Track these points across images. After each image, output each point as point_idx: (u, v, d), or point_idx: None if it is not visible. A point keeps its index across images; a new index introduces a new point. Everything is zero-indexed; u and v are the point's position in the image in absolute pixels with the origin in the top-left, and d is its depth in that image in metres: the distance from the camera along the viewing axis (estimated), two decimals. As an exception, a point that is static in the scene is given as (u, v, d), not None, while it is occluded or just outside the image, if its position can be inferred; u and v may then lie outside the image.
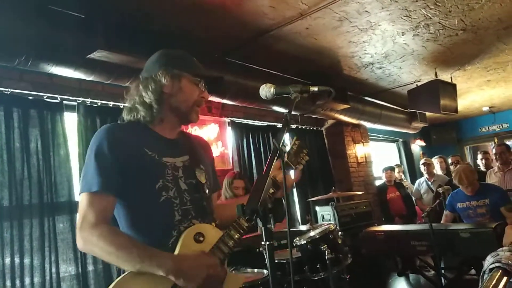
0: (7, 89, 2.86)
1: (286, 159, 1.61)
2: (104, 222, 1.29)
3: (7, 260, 2.69)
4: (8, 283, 2.65)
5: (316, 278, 2.87)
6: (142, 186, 1.36)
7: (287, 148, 1.62)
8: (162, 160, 1.41)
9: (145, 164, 1.37)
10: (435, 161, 6.40)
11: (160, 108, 1.44)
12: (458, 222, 4.17)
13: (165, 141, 1.48)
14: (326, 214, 5.03)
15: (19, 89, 2.94)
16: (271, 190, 1.49)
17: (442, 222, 4.22)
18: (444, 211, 4.26)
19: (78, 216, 1.30)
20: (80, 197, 1.32)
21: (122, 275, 1.26)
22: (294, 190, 5.42)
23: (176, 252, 1.32)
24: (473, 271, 4.08)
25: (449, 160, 6.35)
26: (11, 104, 2.87)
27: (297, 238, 3.06)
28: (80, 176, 1.36)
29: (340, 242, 3.10)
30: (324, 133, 6.37)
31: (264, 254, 2.52)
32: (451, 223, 4.14)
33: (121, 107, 3.44)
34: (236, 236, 1.37)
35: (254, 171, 4.79)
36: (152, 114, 1.44)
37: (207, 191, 1.51)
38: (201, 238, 1.37)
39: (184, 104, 1.47)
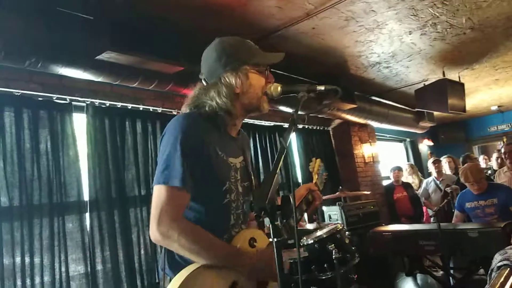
0: (17, 91, 2.90)
1: (315, 180, 1.72)
2: (182, 218, 1.27)
3: (18, 259, 2.72)
4: (18, 282, 2.69)
5: (324, 277, 2.87)
6: (212, 185, 1.35)
7: (313, 169, 1.73)
8: (228, 161, 1.40)
9: (216, 165, 1.35)
10: (444, 160, 6.35)
11: (235, 109, 1.40)
12: (467, 222, 4.15)
13: (230, 140, 1.46)
14: (333, 214, 5.02)
15: (29, 90, 2.97)
16: (304, 207, 1.55)
17: (452, 222, 4.20)
18: (454, 211, 4.24)
19: (155, 208, 1.25)
20: (159, 188, 1.26)
21: (190, 269, 1.26)
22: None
23: None
24: (481, 271, 4.05)
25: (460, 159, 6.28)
26: (21, 105, 2.91)
27: (304, 238, 3.07)
28: (157, 166, 1.30)
29: (347, 241, 3.10)
30: (331, 133, 6.35)
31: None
32: (460, 223, 4.11)
33: (129, 107, 3.50)
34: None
35: (261, 170, 4.80)
36: (232, 118, 1.42)
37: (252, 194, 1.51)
38: (255, 243, 1.40)
39: (255, 97, 1.43)
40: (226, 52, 1.42)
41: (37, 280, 2.78)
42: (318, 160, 1.71)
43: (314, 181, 1.68)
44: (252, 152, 4.81)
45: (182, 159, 1.26)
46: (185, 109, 1.45)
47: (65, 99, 3.17)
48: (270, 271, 1.28)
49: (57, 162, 3.02)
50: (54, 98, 3.11)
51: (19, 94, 2.91)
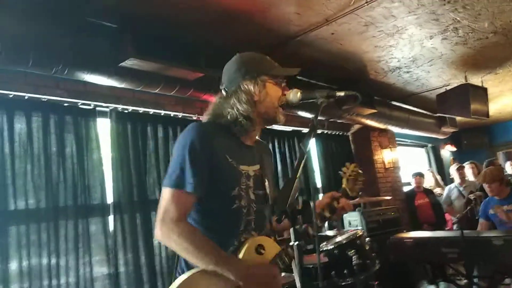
0: (44, 97, 3.01)
1: (344, 185, 1.67)
2: (184, 220, 1.35)
3: (44, 260, 2.80)
4: (45, 282, 2.77)
5: (343, 283, 2.85)
6: (219, 190, 1.41)
7: (345, 174, 1.67)
8: (239, 168, 1.45)
9: (225, 171, 1.41)
10: (467, 167, 6.20)
11: (253, 118, 1.46)
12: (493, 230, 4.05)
13: (244, 148, 1.52)
14: (353, 220, 4.97)
15: (56, 96, 3.07)
16: (327, 214, 1.55)
17: (477, 230, 4.11)
18: (479, 219, 4.15)
19: (160, 208, 1.34)
20: (164, 190, 1.36)
21: (189, 273, 1.31)
22: (321, 196, 5.40)
23: (239, 257, 1.39)
24: (507, 280, 3.94)
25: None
26: (48, 111, 3.02)
27: (324, 243, 3.06)
28: (168, 169, 1.40)
29: (367, 248, 3.08)
30: (351, 138, 6.31)
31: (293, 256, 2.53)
32: (484, 231, 4.02)
33: (151, 113, 3.58)
34: (292, 255, 1.42)
35: (280, 175, 4.81)
36: (252, 124, 1.47)
37: (270, 201, 1.54)
38: (262, 251, 1.42)
39: (272, 107, 1.49)
40: (246, 63, 1.50)
41: (62, 280, 2.86)
42: (353, 165, 1.70)
43: (343, 186, 1.67)
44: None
45: (188, 164, 1.34)
46: (205, 118, 1.52)
47: (89, 105, 3.26)
48: (267, 284, 1.33)
49: (82, 166, 3.11)
50: (79, 104, 3.21)
51: (46, 100, 3.02)
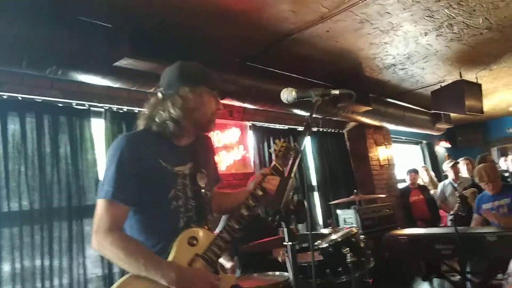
0: (38, 97, 2.98)
1: (275, 161, 1.65)
2: (117, 229, 1.38)
3: (38, 262, 2.79)
4: (38, 284, 2.76)
5: (338, 281, 2.86)
6: (155, 195, 1.44)
7: (275, 151, 1.65)
8: (174, 170, 1.49)
9: (160, 175, 1.45)
10: (461, 163, 6.23)
11: (184, 123, 1.51)
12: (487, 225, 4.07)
13: (176, 150, 1.55)
14: (348, 217, 4.99)
15: (50, 96, 3.05)
16: (260, 193, 1.55)
17: (471, 226, 4.13)
18: (473, 215, 4.17)
19: (95, 220, 1.39)
20: (98, 202, 1.41)
21: (126, 276, 1.35)
22: (316, 194, 5.41)
23: (172, 255, 1.40)
24: (500, 276, 3.97)
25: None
26: (42, 111, 2.99)
27: (319, 241, 3.07)
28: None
29: (362, 245, 3.09)
30: (346, 136, 6.32)
31: (286, 257, 2.53)
32: (478, 227, 4.04)
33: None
34: (227, 238, 1.46)
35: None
36: (180, 129, 1.50)
37: (208, 194, 1.59)
38: (195, 242, 1.44)
39: (205, 117, 1.55)
40: (187, 71, 1.55)
41: (56, 282, 2.85)
42: (282, 141, 1.68)
43: (273, 163, 1.65)
44: (267, 155, 4.82)
45: (117, 176, 1.38)
46: (140, 121, 1.56)
47: (84, 105, 3.24)
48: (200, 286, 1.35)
49: (76, 167, 3.10)
50: (74, 104, 3.18)
51: (40, 100, 2.99)
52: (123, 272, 3.27)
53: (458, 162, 6.06)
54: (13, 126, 2.84)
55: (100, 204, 1.39)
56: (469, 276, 4.00)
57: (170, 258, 1.40)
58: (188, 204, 1.50)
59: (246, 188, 1.71)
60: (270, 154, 4.85)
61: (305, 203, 1.22)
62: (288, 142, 1.72)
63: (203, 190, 1.55)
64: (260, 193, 1.55)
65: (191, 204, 1.50)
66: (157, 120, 1.50)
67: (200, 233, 1.47)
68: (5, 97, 2.81)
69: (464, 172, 6.06)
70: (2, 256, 2.65)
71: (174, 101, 1.48)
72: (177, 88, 1.51)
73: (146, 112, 1.56)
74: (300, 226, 4.25)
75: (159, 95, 1.55)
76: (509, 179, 5.20)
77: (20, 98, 2.89)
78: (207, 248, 1.44)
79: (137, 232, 1.45)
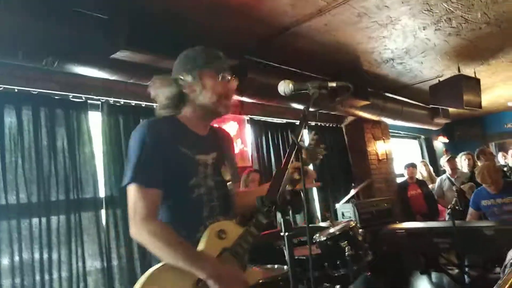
0: (34, 89, 2.97)
1: (304, 155, 1.62)
2: (153, 216, 1.37)
3: (36, 255, 2.79)
4: (37, 277, 2.76)
5: (337, 274, 2.87)
6: (177, 182, 1.43)
7: (305, 144, 1.63)
8: (195, 158, 1.47)
9: (181, 162, 1.44)
10: (463, 157, 6.18)
11: (186, 110, 1.51)
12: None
13: (198, 138, 1.54)
14: (346, 211, 5.00)
15: (46, 89, 3.04)
16: (289, 187, 1.51)
17: (466, 220, 4.14)
18: (469, 209, 4.18)
19: (130, 207, 1.38)
20: (130, 188, 1.38)
21: (159, 265, 1.34)
22: (314, 188, 5.41)
23: (201, 247, 1.39)
24: (498, 269, 3.99)
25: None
26: (38, 103, 2.98)
27: (317, 235, 3.07)
28: (125, 165, 1.46)
29: (360, 239, 3.09)
30: (344, 130, 6.32)
31: (284, 248, 2.54)
32: (475, 221, 4.05)
33: (143, 105, 3.55)
34: (255, 233, 1.43)
35: (273, 168, 4.81)
36: (176, 112, 1.52)
37: (231, 187, 1.57)
38: (223, 235, 1.42)
39: (210, 99, 1.50)
40: (187, 57, 1.55)
41: (55, 275, 2.86)
42: (313, 133, 1.67)
43: (303, 156, 1.64)
44: (265, 149, 4.81)
45: (145, 160, 1.37)
46: (156, 108, 1.57)
47: (80, 98, 3.22)
48: (234, 282, 1.34)
49: (73, 160, 3.09)
50: (70, 96, 3.17)
51: (36, 92, 2.98)
52: (121, 265, 3.29)
53: (454, 157, 6.06)
54: (9, 118, 2.83)
55: (133, 190, 1.37)
56: (467, 269, 4.02)
57: (199, 249, 1.39)
58: (211, 194, 1.49)
59: (262, 186, 1.70)
60: (268, 148, 4.86)
61: (301, 193, 1.22)
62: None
63: (228, 183, 1.54)
64: (290, 187, 1.52)
65: (214, 195, 1.49)
66: (158, 104, 1.52)
67: (229, 226, 1.46)
68: (1, 89, 2.80)
69: (465, 167, 6.04)
70: (1, 249, 2.65)
71: (170, 87, 1.50)
72: (175, 74, 1.52)
73: (158, 101, 1.56)
74: (298, 218, 4.26)
75: (167, 81, 1.54)
76: (508, 174, 5.20)
77: (16, 90, 2.88)
78: (236, 243, 1.42)
79: (164, 219, 1.43)
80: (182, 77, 1.49)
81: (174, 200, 1.44)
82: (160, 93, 1.51)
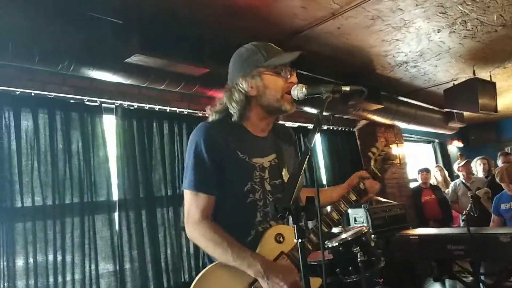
0: (50, 93, 3.01)
1: (372, 165, 1.61)
2: (206, 219, 1.41)
3: (50, 257, 2.81)
4: (51, 279, 2.78)
5: (349, 281, 2.84)
6: (232, 187, 1.45)
7: (374, 154, 1.60)
8: (251, 162, 1.47)
9: (236, 167, 1.45)
10: (478, 162, 6.08)
11: (249, 113, 1.49)
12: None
13: (255, 140, 1.51)
14: (358, 216, 4.95)
15: (62, 93, 3.08)
16: (354, 197, 1.52)
17: (490, 226, 4.07)
18: (492, 215, 4.11)
19: (184, 210, 1.45)
20: (185, 193, 1.45)
21: (213, 264, 1.40)
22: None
23: (258, 249, 1.41)
24: (515, 278, 3.91)
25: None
26: (54, 107, 3.02)
27: (329, 240, 3.05)
28: (184, 171, 1.49)
29: (373, 245, 3.06)
30: (357, 134, 6.27)
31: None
32: (491, 227, 3.98)
33: (157, 109, 3.57)
34: (315, 241, 1.44)
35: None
36: (243, 120, 1.49)
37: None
38: (281, 239, 1.43)
39: (274, 98, 1.46)
40: (241, 58, 1.51)
41: (68, 277, 2.88)
42: (383, 143, 1.64)
43: (371, 167, 1.61)
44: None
45: (197, 166, 1.41)
46: (210, 114, 1.54)
47: (95, 101, 3.26)
48: (286, 281, 1.31)
49: (88, 163, 3.11)
50: (85, 100, 3.21)
51: (52, 96, 3.02)
52: (133, 268, 3.31)
53: (470, 161, 5.96)
54: (26, 122, 2.86)
55: (187, 195, 1.43)
56: (482, 277, 3.94)
57: (257, 251, 1.41)
58: (266, 199, 1.47)
59: (338, 188, 1.67)
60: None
61: (315, 200, 1.20)
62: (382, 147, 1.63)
63: (285, 185, 1.52)
64: (353, 198, 1.53)
65: (269, 199, 1.48)
66: (219, 114, 1.51)
67: (287, 231, 1.46)
68: (17, 93, 2.84)
69: (480, 171, 5.94)
70: (16, 251, 2.68)
71: (232, 95, 1.46)
72: (234, 80, 1.48)
73: (216, 107, 1.54)
74: (310, 224, 4.24)
75: (226, 89, 1.52)
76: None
77: (33, 94, 2.92)
78: (294, 247, 1.42)
79: (217, 222, 1.44)
80: (242, 81, 1.45)
81: (228, 204, 1.45)
82: (227, 105, 1.48)
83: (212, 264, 1.39)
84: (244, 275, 1.34)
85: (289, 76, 1.48)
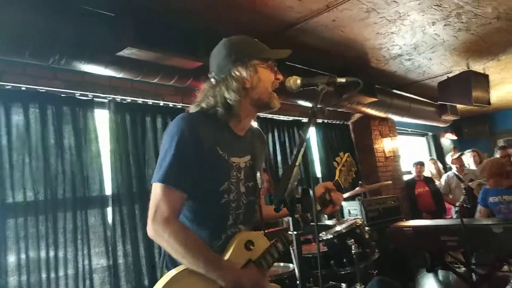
0: (42, 88, 2.97)
1: (337, 177, 1.61)
2: (175, 218, 1.29)
3: (43, 253, 2.79)
4: (43, 275, 2.76)
5: (343, 272, 2.85)
6: (207, 184, 1.36)
7: (338, 165, 1.60)
8: (230, 161, 1.40)
9: (215, 164, 1.36)
10: (468, 155, 6.17)
11: (237, 107, 1.39)
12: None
13: (235, 139, 1.45)
14: (352, 209, 4.98)
15: (53, 87, 3.04)
16: (319, 207, 1.50)
17: (475, 218, 4.10)
18: (478, 206, 4.14)
19: (151, 205, 1.29)
20: (155, 186, 1.30)
21: (179, 269, 1.28)
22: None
23: (227, 256, 1.35)
24: (506, 267, 3.95)
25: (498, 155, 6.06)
26: (45, 101, 2.98)
27: (324, 233, 3.05)
28: (157, 164, 1.34)
29: (367, 237, 3.07)
30: (351, 127, 6.28)
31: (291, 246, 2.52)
32: (483, 218, 4.01)
33: (150, 103, 3.54)
34: (282, 249, 1.42)
35: (279, 165, 4.79)
36: (232, 113, 1.40)
37: (259, 193, 1.51)
38: (251, 247, 1.39)
39: (265, 92, 1.42)
40: (236, 48, 1.42)
41: (61, 273, 2.86)
42: (347, 154, 1.63)
43: (335, 178, 1.61)
44: (271, 147, 4.80)
45: (178, 159, 1.28)
46: (193, 108, 1.45)
47: (87, 96, 3.22)
48: None
49: (80, 157, 3.09)
50: (77, 94, 3.17)
51: (43, 91, 2.98)
52: (127, 263, 3.29)
53: (462, 154, 6.01)
54: (17, 116, 2.83)
55: (158, 189, 1.28)
56: (474, 267, 3.98)
57: (225, 258, 1.35)
58: (240, 201, 1.42)
59: None
60: (274, 145, 4.83)
61: (310, 192, 1.20)
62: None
63: (259, 189, 1.48)
64: (318, 207, 1.51)
65: (243, 201, 1.43)
66: (204, 105, 1.40)
67: (258, 238, 1.42)
68: (8, 87, 2.80)
69: (471, 164, 6.01)
70: (8, 247, 2.65)
71: (229, 84, 1.38)
72: (229, 69, 1.40)
73: (198, 99, 1.44)
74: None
75: (212, 80, 1.44)
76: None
77: (24, 89, 2.88)
78: (261, 255, 1.39)
79: (186, 220, 1.38)
80: (242, 70, 1.38)
81: (201, 203, 1.37)
82: (225, 95, 1.37)
83: (179, 270, 1.28)
84: (212, 282, 1.27)
85: (277, 73, 1.46)
